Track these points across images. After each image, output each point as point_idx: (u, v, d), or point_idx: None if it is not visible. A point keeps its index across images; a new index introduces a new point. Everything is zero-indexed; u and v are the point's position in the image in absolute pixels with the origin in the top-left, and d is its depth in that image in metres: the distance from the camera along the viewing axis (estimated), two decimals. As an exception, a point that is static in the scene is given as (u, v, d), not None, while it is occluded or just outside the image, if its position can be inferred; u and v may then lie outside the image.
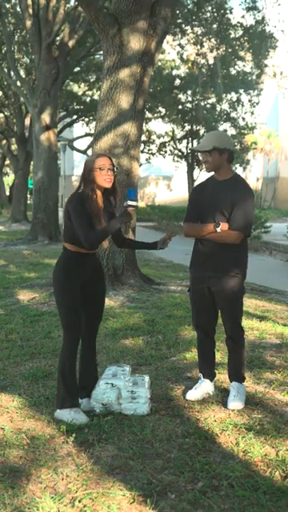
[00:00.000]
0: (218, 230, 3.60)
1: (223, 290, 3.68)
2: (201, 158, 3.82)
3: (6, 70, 19.91)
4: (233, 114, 27.34)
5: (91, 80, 23.70)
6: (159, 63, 23.86)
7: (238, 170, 29.34)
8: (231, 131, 28.37)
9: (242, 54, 19.23)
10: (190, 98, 27.19)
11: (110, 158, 3.51)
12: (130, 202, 3.46)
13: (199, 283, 3.77)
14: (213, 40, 17.67)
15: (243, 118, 27.35)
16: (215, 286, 3.69)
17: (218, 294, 3.71)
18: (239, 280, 3.71)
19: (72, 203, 3.44)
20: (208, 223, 3.65)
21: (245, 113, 26.84)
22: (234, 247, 3.65)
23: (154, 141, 29.82)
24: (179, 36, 19.14)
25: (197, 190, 3.86)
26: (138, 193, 3.52)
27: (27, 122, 23.04)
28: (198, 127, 28.55)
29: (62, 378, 3.49)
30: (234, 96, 25.97)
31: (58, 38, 16.90)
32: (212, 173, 3.81)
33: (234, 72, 23.21)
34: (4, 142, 26.89)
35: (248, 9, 16.00)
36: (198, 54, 19.33)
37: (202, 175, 30.57)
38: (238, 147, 29.10)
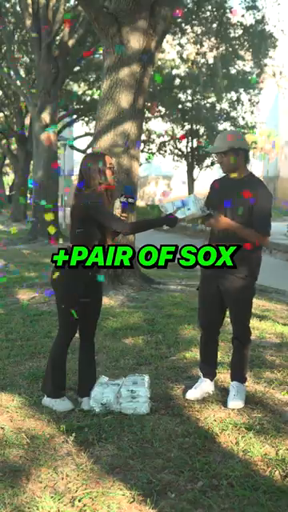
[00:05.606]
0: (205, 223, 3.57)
1: (231, 290, 3.67)
2: (216, 159, 3.74)
3: (5, 69, 19.90)
4: (233, 114, 27.33)
5: (91, 79, 23.69)
6: (159, 62, 23.84)
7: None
8: (231, 131, 28.30)
9: (241, 53, 19.23)
10: (189, 98, 27.19)
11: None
12: (130, 200, 3.42)
13: (209, 282, 3.75)
14: (212, 39, 17.67)
15: (243, 118, 27.33)
16: (224, 285, 3.68)
17: (225, 294, 3.70)
18: (248, 283, 3.67)
19: (90, 199, 3.34)
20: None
21: (244, 112, 26.83)
22: (247, 249, 3.58)
23: (153, 140, 29.79)
24: (179, 35, 19.14)
25: (219, 181, 3.79)
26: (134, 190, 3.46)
27: (27, 121, 23.03)
28: (198, 126, 28.55)
29: (52, 371, 3.60)
30: (233, 95, 25.97)
31: (57, 38, 16.90)
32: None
33: (233, 71, 23.21)
34: (4, 141, 26.88)
35: (248, 8, 16.02)
36: (197, 54, 19.34)
37: (201, 175, 30.57)
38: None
